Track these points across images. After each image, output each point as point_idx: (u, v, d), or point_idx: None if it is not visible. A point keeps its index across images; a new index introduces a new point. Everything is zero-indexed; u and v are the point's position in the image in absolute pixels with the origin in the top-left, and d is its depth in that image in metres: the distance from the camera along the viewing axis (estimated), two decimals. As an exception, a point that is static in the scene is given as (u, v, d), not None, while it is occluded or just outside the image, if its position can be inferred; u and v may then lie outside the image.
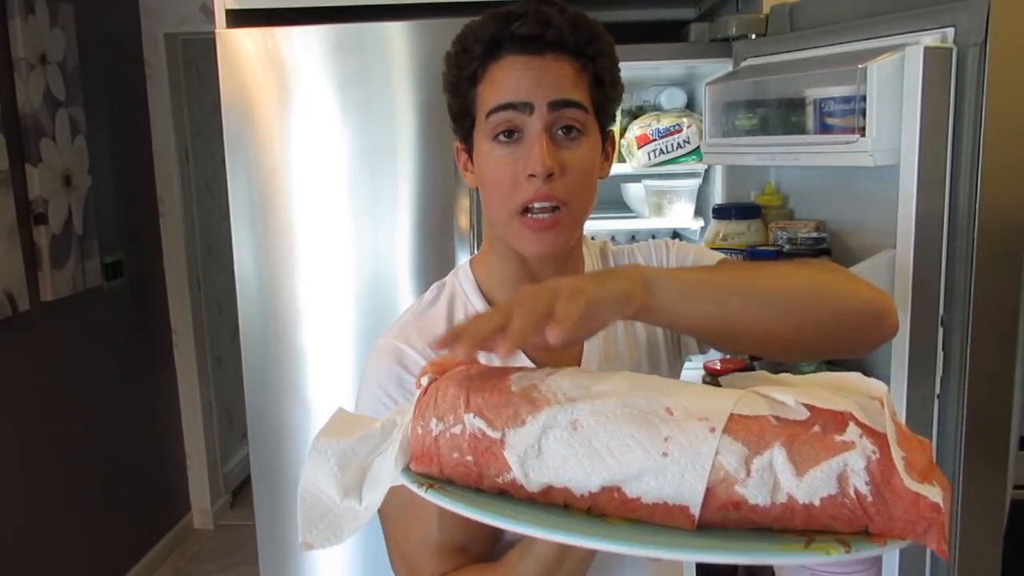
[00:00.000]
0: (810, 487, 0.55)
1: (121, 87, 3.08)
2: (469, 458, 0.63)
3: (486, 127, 0.84)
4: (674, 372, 0.98)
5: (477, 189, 0.92)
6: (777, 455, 0.56)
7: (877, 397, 0.59)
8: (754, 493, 0.56)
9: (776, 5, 1.56)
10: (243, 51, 1.82)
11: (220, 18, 1.86)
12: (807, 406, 0.58)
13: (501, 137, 0.83)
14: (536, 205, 0.82)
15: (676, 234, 2.34)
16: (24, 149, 2.42)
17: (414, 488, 0.64)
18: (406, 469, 0.66)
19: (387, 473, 0.66)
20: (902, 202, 1.20)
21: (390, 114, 1.84)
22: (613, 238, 2.30)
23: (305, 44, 1.82)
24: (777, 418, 0.58)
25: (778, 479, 0.56)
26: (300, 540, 0.67)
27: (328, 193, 1.87)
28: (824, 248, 1.40)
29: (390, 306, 1.89)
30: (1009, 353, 1.18)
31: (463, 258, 1.84)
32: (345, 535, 0.67)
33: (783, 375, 0.67)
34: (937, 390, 1.21)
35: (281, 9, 1.88)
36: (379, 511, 0.72)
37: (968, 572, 1.21)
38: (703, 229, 2.00)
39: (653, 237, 2.31)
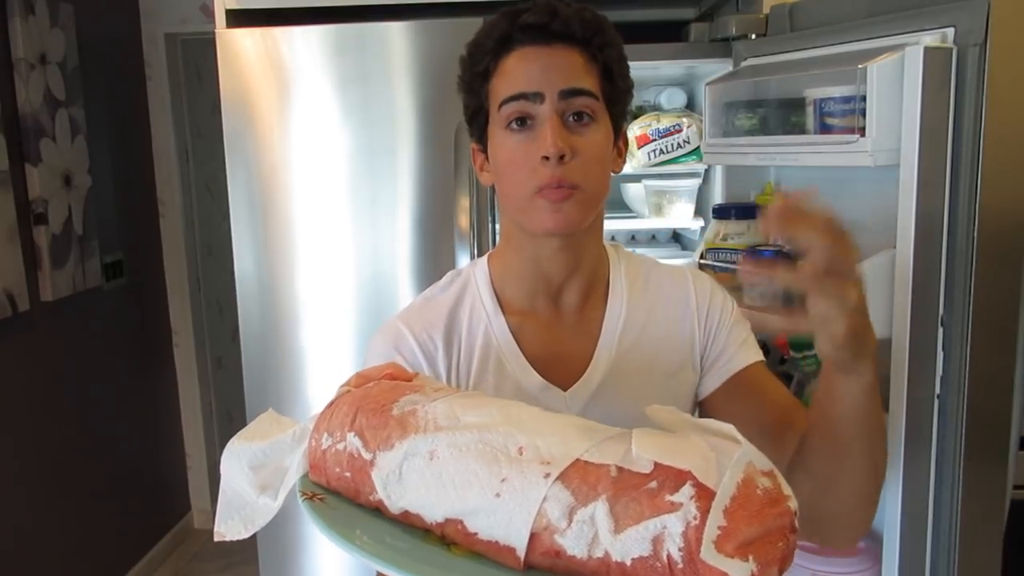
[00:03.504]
0: (623, 546, 0.54)
1: (121, 87, 3.08)
2: (348, 474, 0.66)
3: (499, 117, 0.86)
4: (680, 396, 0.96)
5: (491, 188, 0.93)
6: (599, 509, 0.55)
7: (740, 456, 0.56)
8: (572, 544, 0.56)
9: (776, 5, 1.55)
10: (243, 51, 1.82)
11: (220, 18, 1.86)
12: (656, 461, 0.56)
13: (514, 125, 0.84)
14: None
15: (676, 234, 2.34)
16: (24, 149, 2.42)
17: (299, 497, 0.67)
18: (304, 476, 0.70)
19: (291, 477, 0.71)
20: (902, 202, 1.20)
21: (390, 114, 1.84)
22: (613, 238, 2.30)
23: (305, 44, 1.82)
24: (620, 469, 0.57)
25: (598, 533, 0.55)
26: (215, 530, 0.73)
27: (328, 193, 1.87)
28: (824, 248, 1.40)
29: (390, 306, 1.89)
30: (1009, 353, 1.18)
31: (463, 258, 1.85)
32: (256, 527, 0.72)
33: (708, 421, 0.63)
34: (937, 390, 1.21)
35: (281, 9, 1.88)
36: None
37: (968, 572, 1.20)
38: (703, 229, 2.00)
39: (653, 237, 2.33)
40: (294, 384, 1.93)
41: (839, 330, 0.67)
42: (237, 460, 0.72)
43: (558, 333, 0.94)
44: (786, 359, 1.51)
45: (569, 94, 0.83)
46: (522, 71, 0.84)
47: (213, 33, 1.82)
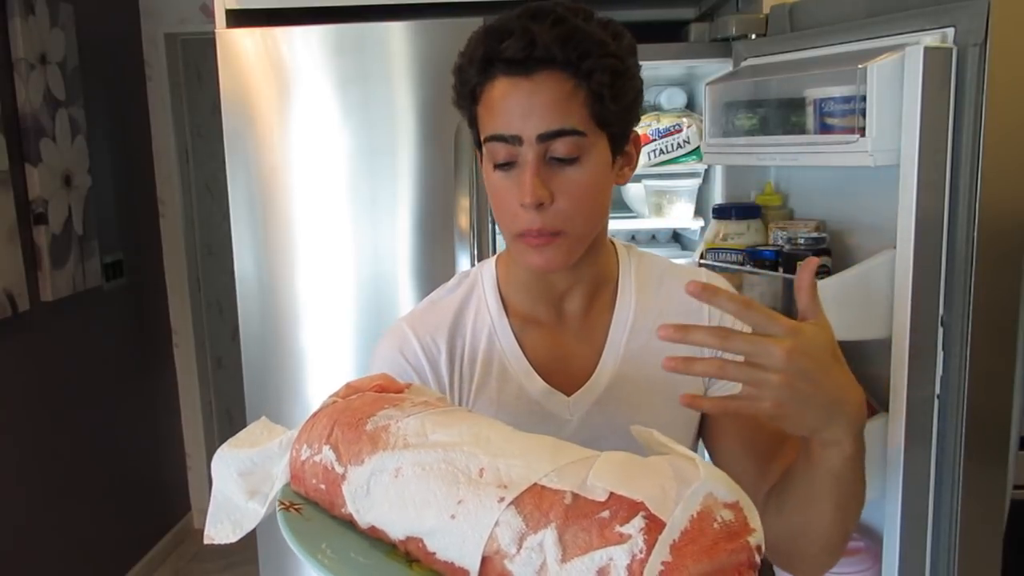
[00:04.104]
0: (569, 575, 0.53)
1: (121, 87, 3.08)
2: (322, 486, 0.67)
3: (485, 151, 0.84)
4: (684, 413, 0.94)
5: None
6: (548, 536, 0.54)
7: (698, 488, 0.55)
8: (521, 571, 0.55)
9: (776, 5, 1.55)
10: (243, 51, 1.82)
11: (220, 18, 1.86)
12: (611, 490, 0.55)
13: (498, 162, 0.82)
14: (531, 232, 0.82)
15: (676, 234, 2.34)
16: (24, 149, 2.42)
17: (277, 507, 0.68)
18: (286, 485, 0.71)
19: (277, 485, 0.71)
20: (902, 202, 1.20)
21: (390, 114, 1.84)
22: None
23: (305, 44, 1.82)
24: (575, 496, 0.56)
25: (546, 561, 0.54)
26: (205, 533, 0.73)
27: (328, 193, 1.87)
28: (824, 248, 1.40)
29: (390, 306, 1.89)
30: (1009, 353, 1.18)
31: (463, 258, 1.85)
32: (244, 531, 0.73)
33: (683, 449, 0.62)
34: (937, 390, 1.21)
35: (281, 9, 1.88)
36: None
37: (968, 572, 1.21)
38: (703, 229, 2.00)
39: (653, 237, 2.33)
40: (294, 384, 1.93)
41: (763, 409, 0.70)
42: (226, 466, 0.73)
43: (563, 337, 0.92)
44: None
45: (548, 137, 0.78)
46: (501, 110, 0.79)
47: (213, 33, 1.82)
